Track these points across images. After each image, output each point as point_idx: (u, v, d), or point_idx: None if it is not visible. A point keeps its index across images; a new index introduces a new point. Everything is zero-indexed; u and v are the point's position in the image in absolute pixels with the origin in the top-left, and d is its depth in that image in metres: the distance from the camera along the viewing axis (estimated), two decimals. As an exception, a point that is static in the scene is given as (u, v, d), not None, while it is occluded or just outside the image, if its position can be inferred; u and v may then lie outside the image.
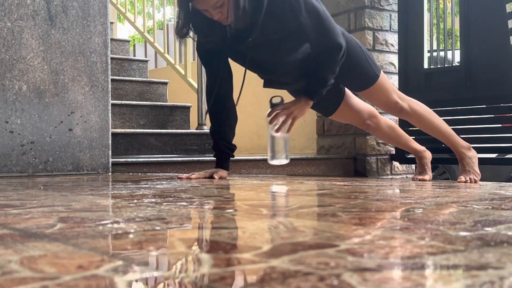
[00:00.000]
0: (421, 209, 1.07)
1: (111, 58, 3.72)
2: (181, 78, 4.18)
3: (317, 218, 1.00)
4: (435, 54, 3.51)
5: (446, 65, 3.46)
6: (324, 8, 2.01)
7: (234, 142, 2.18)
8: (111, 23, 5.86)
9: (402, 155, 3.51)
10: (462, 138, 2.43)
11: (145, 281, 0.52)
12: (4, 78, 2.42)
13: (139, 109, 3.71)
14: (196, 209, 1.10)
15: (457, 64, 3.47)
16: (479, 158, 2.40)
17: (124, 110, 3.65)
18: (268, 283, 0.49)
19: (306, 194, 1.52)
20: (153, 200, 1.24)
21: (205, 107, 3.60)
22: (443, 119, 2.46)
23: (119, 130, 3.20)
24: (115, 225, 0.85)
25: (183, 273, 0.57)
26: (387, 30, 3.57)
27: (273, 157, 2.14)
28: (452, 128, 2.45)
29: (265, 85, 2.25)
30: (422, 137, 2.99)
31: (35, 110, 2.48)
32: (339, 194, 1.40)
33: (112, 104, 3.32)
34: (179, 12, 1.90)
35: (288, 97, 2.32)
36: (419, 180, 2.31)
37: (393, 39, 3.59)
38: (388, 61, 3.57)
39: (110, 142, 2.70)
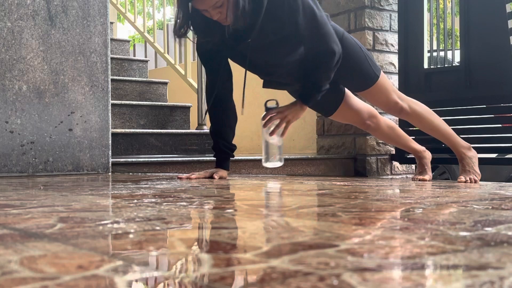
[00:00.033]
0: (421, 209, 1.07)
1: (111, 58, 3.73)
2: (181, 78, 4.18)
3: (317, 218, 1.00)
4: (435, 54, 3.51)
5: (446, 65, 3.46)
6: (323, 13, 2.01)
7: (234, 142, 2.18)
8: (111, 23, 5.86)
9: (402, 155, 3.51)
10: (462, 138, 2.43)
11: (145, 281, 0.52)
12: (4, 78, 2.42)
13: (139, 109, 3.71)
14: (196, 209, 1.10)
15: (457, 64, 3.47)
16: (479, 158, 2.40)
17: (124, 110, 3.65)
18: (268, 283, 0.49)
19: (306, 194, 1.52)
20: (153, 200, 1.24)
21: (205, 107, 3.60)
22: (443, 119, 2.46)
23: (119, 130, 3.20)
24: (115, 225, 0.85)
25: (183, 273, 0.57)
26: (387, 30, 3.57)
27: (267, 159, 2.16)
28: (452, 128, 2.45)
29: (264, 86, 2.25)
30: (422, 137, 2.99)
31: (35, 110, 2.49)
32: (339, 194, 1.40)
33: (112, 104, 3.32)
34: (178, 12, 1.90)
35: (288, 97, 2.32)
36: (419, 180, 2.31)
37: (393, 39, 3.59)
38: (388, 61, 3.57)
39: (110, 142, 2.70)
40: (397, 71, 3.57)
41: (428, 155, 2.50)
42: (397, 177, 3.61)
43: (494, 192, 1.57)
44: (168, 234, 0.80)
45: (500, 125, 3.17)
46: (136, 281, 0.52)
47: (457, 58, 3.50)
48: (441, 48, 3.57)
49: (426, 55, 3.48)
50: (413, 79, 3.51)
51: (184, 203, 1.18)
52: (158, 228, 0.83)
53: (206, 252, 0.66)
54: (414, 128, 3.18)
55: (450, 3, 3.59)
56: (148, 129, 3.65)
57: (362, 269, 0.54)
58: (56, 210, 1.06)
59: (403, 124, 3.15)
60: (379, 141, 3.49)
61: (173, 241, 0.76)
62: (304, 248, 0.65)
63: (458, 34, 3.42)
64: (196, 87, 3.87)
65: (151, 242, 0.71)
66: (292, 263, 0.56)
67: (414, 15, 3.51)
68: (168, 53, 4.40)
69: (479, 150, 2.50)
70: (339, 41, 2.16)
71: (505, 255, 0.61)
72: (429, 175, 2.43)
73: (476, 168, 2.34)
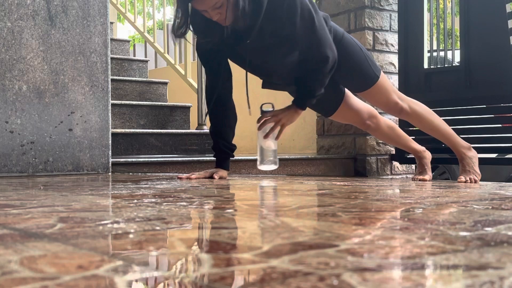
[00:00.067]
0: (421, 209, 1.07)
1: (111, 58, 3.73)
2: (181, 78, 4.18)
3: (317, 218, 1.00)
4: (435, 54, 3.51)
5: (446, 65, 3.46)
6: (321, 17, 2.00)
7: (234, 142, 2.18)
8: (111, 23, 5.86)
9: (402, 155, 3.51)
10: (462, 138, 2.43)
11: (145, 281, 0.52)
12: (4, 78, 2.42)
13: (139, 109, 3.71)
14: (196, 209, 1.10)
15: (457, 64, 3.47)
16: (479, 158, 2.40)
17: (124, 110, 3.65)
18: (268, 283, 0.49)
19: (306, 194, 1.52)
20: (153, 200, 1.24)
21: (205, 107, 3.60)
22: (443, 119, 2.46)
23: (119, 130, 3.20)
24: (115, 225, 0.85)
25: (183, 273, 0.57)
26: (387, 30, 3.57)
27: (262, 162, 2.18)
28: (452, 128, 2.45)
29: (263, 86, 2.26)
30: (422, 137, 2.99)
31: (35, 110, 2.48)
32: (339, 194, 1.40)
33: (112, 104, 3.32)
34: (177, 12, 1.90)
35: (288, 98, 2.32)
36: (419, 180, 2.31)
37: (393, 39, 3.59)
38: (388, 61, 3.57)
39: (110, 142, 2.70)
40: (397, 71, 3.58)
41: (428, 155, 2.50)
42: (397, 177, 3.61)
43: (494, 192, 1.57)
44: (168, 234, 0.80)
45: (500, 125, 3.17)
46: (136, 281, 0.52)
47: (457, 58, 3.49)
48: (441, 48, 3.57)
49: (426, 55, 3.48)
50: (413, 79, 3.51)
51: (184, 203, 1.18)
52: (158, 228, 0.83)
53: (206, 252, 0.66)
54: (414, 128, 3.18)
55: (450, 3, 3.59)
56: (148, 129, 3.65)
57: (362, 269, 0.54)
58: (56, 210, 1.06)
59: (403, 124, 3.15)
60: (379, 141, 3.49)
61: (173, 241, 0.76)
62: (304, 248, 0.65)
63: (458, 34, 3.42)
64: (196, 87, 3.87)
65: (151, 242, 0.71)
66: (292, 263, 0.56)
67: (414, 15, 3.51)
68: (168, 53, 4.40)
69: (479, 150, 2.50)
70: (339, 41, 2.16)
71: (505, 255, 0.61)
72: (429, 175, 2.43)
73: (476, 168, 2.34)
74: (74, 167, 2.59)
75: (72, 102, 2.58)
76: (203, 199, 1.30)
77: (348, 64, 2.21)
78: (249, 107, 2.16)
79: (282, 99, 2.24)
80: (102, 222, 0.87)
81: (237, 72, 2.18)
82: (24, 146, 2.46)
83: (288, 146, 4.51)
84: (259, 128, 2.14)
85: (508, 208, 1.08)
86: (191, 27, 1.96)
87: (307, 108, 2.23)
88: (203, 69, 3.34)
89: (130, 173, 2.57)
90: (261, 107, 2.17)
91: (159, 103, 3.93)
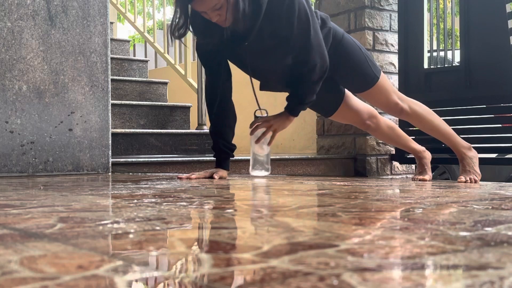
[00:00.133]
0: (421, 209, 1.07)
1: (111, 58, 3.73)
2: (181, 78, 4.18)
3: (317, 218, 1.00)
4: (435, 54, 3.51)
5: (446, 65, 3.46)
6: (316, 23, 2.00)
7: (234, 142, 2.18)
8: (111, 23, 5.86)
9: (402, 155, 3.51)
10: (462, 138, 2.43)
11: (145, 281, 0.52)
12: (4, 78, 2.42)
13: (139, 109, 3.71)
14: (196, 209, 1.10)
15: (457, 64, 3.47)
16: (479, 158, 2.40)
17: (124, 110, 3.65)
18: (268, 283, 0.49)
19: (306, 194, 1.52)
20: (153, 200, 1.24)
21: (205, 107, 3.60)
22: (443, 119, 2.46)
23: (119, 130, 3.20)
24: (115, 225, 0.85)
25: (183, 273, 0.57)
26: (387, 30, 3.57)
27: (253, 167, 2.19)
28: (452, 128, 2.45)
29: (261, 88, 2.26)
30: (422, 137, 2.99)
31: (35, 110, 2.48)
32: (339, 194, 1.40)
33: (112, 104, 3.32)
34: (176, 12, 1.90)
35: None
36: (419, 180, 2.31)
37: (393, 39, 3.59)
38: (388, 61, 3.57)
39: (110, 142, 2.70)
40: (397, 71, 3.58)
41: (428, 155, 2.50)
42: (397, 177, 3.61)
43: (494, 192, 1.57)
44: (168, 234, 0.80)
45: (500, 125, 3.17)
46: (136, 281, 0.52)
47: (457, 58, 3.49)
48: (441, 48, 3.57)
49: (426, 55, 3.48)
50: (413, 79, 3.51)
51: (184, 203, 1.18)
52: (158, 228, 0.83)
53: (206, 252, 0.66)
54: (414, 128, 3.18)
55: (450, 3, 3.59)
56: (148, 129, 3.65)
57: (362, 269, 0.54)
58: (56, 210, 1.06)
59: (403, 124, 3.15)
60: (379, 141, 3.49)
61: (173, 241, 0.76)
62: (304, 248, 0.65)
63: (458, 34, 3.42)
64: (196, 87, 3.87)
65: (151, 242, 0.71)
66: (292, 263, 0.56)
67: (414, 15, 3.51)
68: (168, 53, 4.40)
69: (479, 150, 2.50)
70: (339, 42, 2.16)
71: (505, 255, 0.61)
72: (429, 175, 2.43)
73: (477, 168, 2.34)
74: (74, 167, 2.59)
75: (72, 102, 2.58)
76: (203, 199, 1.30)
77: (348, 65, 2.21)
78: (259, 107, 2.19)
79: (282, 99, 2.24)
80: (102, 222, 0.87)
81: (237, 72, 2.19)
82: (24, 146, 2.46)
83: (288, 146, 4.51)
84: (251, 133, 2.15)
85: (508, 208, 1.08)
86: (191, 28, 1.96)
87: (307, 108, 2.23)
88: (203, 69, 3.35)
89: (130, 173, 2.57)
90: (254, 113, 2.19)
91: (159, 103, 3.93)
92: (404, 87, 3.44)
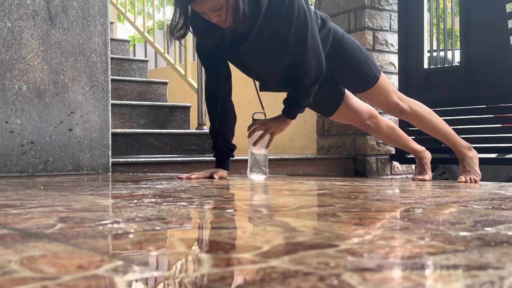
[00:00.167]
0: (421, 209, 1.07)
1: (111, 58, 3.73)
2: (181, 78, 4.18)
3: (317, 218, 1.00)
4: (435, 54, 3.51)
5: (446, 65, 3.46)
6: (314, 24, 1.99)
7: (234, 142, 2.19)
8: (111, 23, 5.86)
9: (402, 155, 3.52)
10: (462, 138, 2.43)
11: (145, 281, 0.52)
12: (4, 78, 2.42)
13: (139, 109, 3.71)
14: (196, 209, 1.10)
15: (457, 64, 3.47)
16: (479, 158, 2.40)
17: (124, 110, 3.65)
18: (268, 283, 0.49)
19: (306, 194, 1.52)
20: (153, 200, 1.24)
21: (205, 107, 3.60)
22: (443, 119, 2.46)
23: (119, 130, 3.20)
24: (115, 225, 0.85)
25: (183, 273, 0.57)
26: (387, 30, 3.57)
27: (251, 170, 2.19)
28: (452, 128, 2.45)
29: (261, 89, 2.26)
30: (422, 137, 2.99)
31: (35, 110, 2.48)
32: (339, 194, 1.40)
33: (112, 104, 3.32)
34: (176, 13, 1.90)
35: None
36: (419, 180, 2.31)
37: (393, 39, 3.59)
38: (388, 61, 3.57)
39: (110, 142, 2.70)
40: (397, 71, 3.58)
41: (428, 155, 2.50)
42: (397, 177, 3.61)
43: (494, 192, 1.57)
44: (168, 234, 0.80)
45: (500, 125, 3.17)
46: (136, 281, 0.52)
47: (457, 58, 3.49)
48: (441, 48, 3.57)
49: (426, 55, 3.48)
50: (413, 79, 3.51)
51: (184, 203, 1.18)
52: (158, 228, 0.83)
53: (206, 252, 0.66)
54: (414, 128, 3.18)
55: (450, 3, 3.59)
56: (148, 129, 3.65)
57: (362, 269, 0.54)
58: (56, 210, 1.06)
59: (403, 124, 3.15)
60: (379, 141, 3.49)
61: (173, 241, 0.76)
62: (304, 248, 0.65)
63: (458, 34, 3.42)
64: (196, 87, 3.87)
65: (151, 242, 0.71)
66: (292, 263, 0.56)
67: (414, 15, 3.51)
68: (168, 53, 4.40)
69: (479, 150, 2.50)
70: (339, 42, 2.16)
71: (505, 255, 0.61)
72: (429, 175, 2.43)
73: (477, 168, 2.34)
74: (74, 167, 2.59)
75: (72, 102, 2.58)
76: (203, 199, 1.30)
77: (348, 65, 2.21)
78: (263, 108, 2.19)
79: (282, 99, 2.24)
80: (102, 222, 0.87)
81: (236, 72, 2.19)
82: (24, 146, 2.46)
83: (288, 146, 4.51)
84: (249, 136, 2.15)
85: (508, 208, 1.08)
86: (191, 28, 1.96)
87: (307, 108, 2.23)
88: (203, 69, 3.35)
89: (130, 173, 2.57)
90: (252, 116, 2.19)
91: (159, 103, 3.93)
92: (404, 87, 3.44)
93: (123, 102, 3.68)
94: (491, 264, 0.55)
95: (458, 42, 3.35)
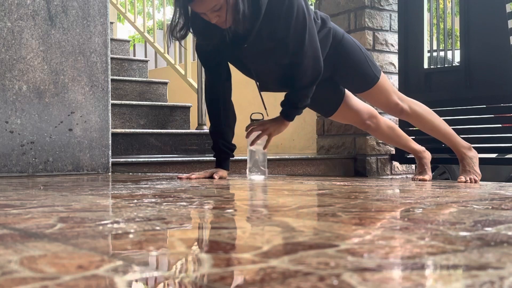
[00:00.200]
0: (421, 209, 1.07)
1: (111, 58, 3.73)
2: (181, 78, 4.18)
3: (317, 218, 1.00)
4: (435, 54, 3.51)
5: (446, 65, 3.46)
6: (313, 25, 1.99)
7: (234, 142, 2.19)
8: (111, 23, 5.86)
9: (402, 155, 3.52)
10: (462, 138, 2.43)
11: (145, 281, 0.52)
12: (4, 78, 2.42)
13: (139, 109, 3.71)
14: (196, 209, 1.10)
15: (457, 64, 3.47)
16: (479, 158, 2.40)
17: (124, 110, 3.65)
18: (268, 283, 0.49)
19: (306, 194, 1.52)
20: (153, 200, 1.24)
21: (205, 107, 3.60)
22: (443, 119, 2.46)
23: (119, 130, 3.20)
24: (115, 225, 0.85)
25: (183, 273, 0.57)
26: (387, 30, 3.57)
27: (250, 170, 2.19)
28: (452, 128, 2.45)
29: (261, 90, 2.26)
30: (422, 137, 2.99)
31: (35, 110, 2.48)
32: (339, 194, 1.40)
33: (112, 104, 3.32)
34: (176, 13, 1.89)
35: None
36: (419, 180, 2.31)
37: (393, 39, 3.59)
38: (388, 61, 3.57)
39: (110, 142, 2.70)
40: (397, 71, 3.58)
41: (427, 155, 2.50)
42: (397, 177, 3.61)
43: (494, 192, 1.57)
44: (168, 234, 0.80)
45: (500, 125, 3.17)
46: (136, 281, 0.52)
47: (457, 58, 3.49)
48: (441, 48, 3.57)
49: (426, 55, 3.48)
50: (413, 79, 3.51)
51: (184, 203, 1.18)
52: (158, 228, 0.83)
53: (206, 252, 0.66)
54: (414, 128, 3.18)
55: (450, 3, 3.59)
56: (148, 129, 3.65)
57: (362, 269, 0.54)
58: (56, 210, 1.06)
59: (403, 124, 3.15)
60: (379, 141, 3.49)
61: (173, 241, 0.76)
62: (304, 248, 0.65)
63: (458, 34, 3.42)
64: (196, 87, 3.87)
65: (151, 242, 0.71)
66: (292, 263, 0.56)
67: (414, 15, 3.51)
68: (168, 53, 4.40)
69: (479, 150, 2.50)
70: (339, 42, 2.16)
71: (505, 255, 0.61)
72: (429, 175, 2.43)
73: (477, 168, 2.34)
74: (74, 167, 2.59)
75: (72, 102, 2.58)
76: (203, 199, 1.30)
77: (348, 65, 2.21)
78: (265, 108, 2.19)
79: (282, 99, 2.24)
80: (102, 222, 0.87)
81: (236, 72, 2.19)
82: (24, 146, 2.46)
83: (288, 146, 4.51)
84: (247, 136, 2.16)
85: (508, 208, 1.08)
86: (191, 29, 1.95)
87: (307, 108, 2.23)
88: (203, 69, 3.35)
89: (130, 173, 2.57)
90: (250, 116, 2.20)
91: (159, 103, 3.93)
92: (404, 87, 3.44)
93: (123, 102, 3.68)
94: (491, 264, 0.55)
95: (458, 42, 3.35)
